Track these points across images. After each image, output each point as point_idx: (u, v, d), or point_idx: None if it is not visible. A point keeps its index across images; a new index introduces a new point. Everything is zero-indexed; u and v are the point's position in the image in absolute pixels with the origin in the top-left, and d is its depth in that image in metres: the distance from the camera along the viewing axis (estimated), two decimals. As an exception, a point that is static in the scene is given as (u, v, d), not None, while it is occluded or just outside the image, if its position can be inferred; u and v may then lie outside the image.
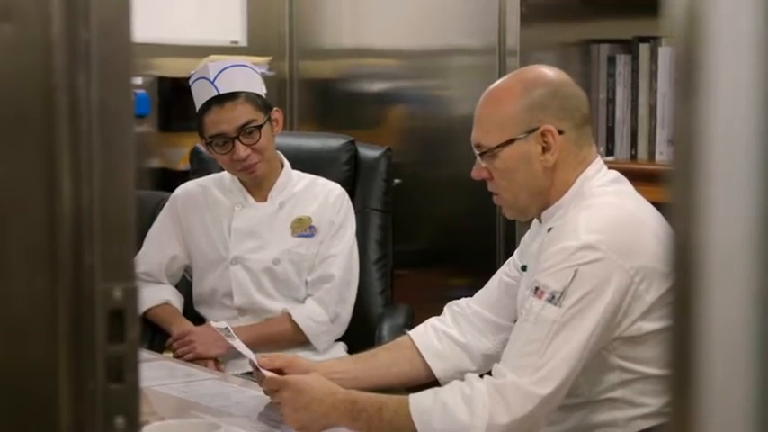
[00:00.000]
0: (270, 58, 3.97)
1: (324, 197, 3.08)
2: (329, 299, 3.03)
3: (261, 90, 3.00)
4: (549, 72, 2.15)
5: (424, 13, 3.69)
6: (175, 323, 3.02)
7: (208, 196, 3.08)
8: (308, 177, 3.12)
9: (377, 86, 3.94)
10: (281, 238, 3.04)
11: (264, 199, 3.06)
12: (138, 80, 3.78)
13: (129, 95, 0.88)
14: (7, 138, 0.83)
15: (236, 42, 4.09)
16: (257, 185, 3.05)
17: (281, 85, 4.10)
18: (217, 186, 3.09)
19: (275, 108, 3.03)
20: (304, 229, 3.05)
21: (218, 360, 2.97)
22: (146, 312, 3.05)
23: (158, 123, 3.96)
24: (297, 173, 3.12)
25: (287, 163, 3.10)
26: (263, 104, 2.97)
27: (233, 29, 4.10)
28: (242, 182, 3.06)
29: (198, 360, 2.93)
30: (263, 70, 3.85)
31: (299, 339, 3.01)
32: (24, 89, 0.83)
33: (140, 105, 3.77)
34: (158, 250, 3.09)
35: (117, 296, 0.86)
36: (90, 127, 0.84)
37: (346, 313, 3.07)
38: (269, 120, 2.97)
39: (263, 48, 4.05)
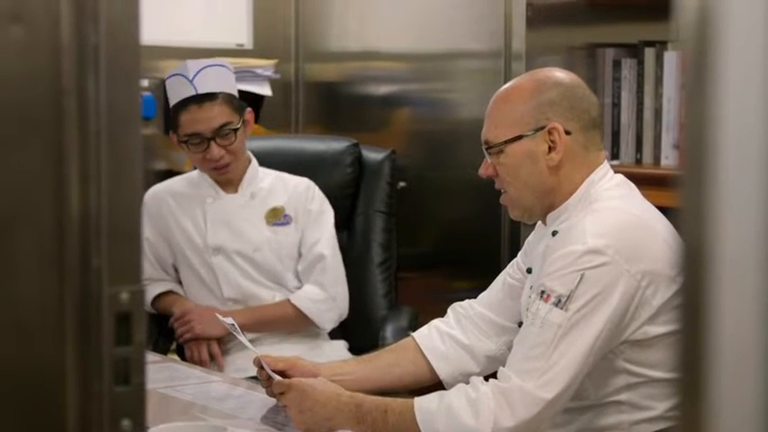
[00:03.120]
0: (276, 60, 3.98)
1: (293, 189, 3.11)
2: (325, 278, 3.05)
3: (235, 90, 3.02)
4: (561, 74, 2.16)
5: (430, 16, 3.69)
6: (177, 304, 3.05)
7: (177, 196, 3.10)
8: (274, 173, 3.15)
9: (382, 89, 3.94)
10: (256, 228, 3.06)
11: (235, 190, 3.08)
12: (144, 82, 3.78)
13: (136, 98, 0.88)
14: (16, 140, 0.83)
15: (241, 45, 4.09)
16: (227, 180, 3.07)
17: (286, 87, 4.10)
18: (185, 185, 3.12)
19: (248, 109, 3.04)
20: (278, 218, 3.08)
21: (220, 341, 2.98)
22: (153, 303, 3.07)
23: (164, 125, 3.96)
24: (263, 169, 3.14)
25: (254, 159, 3.11)
26: (238, 105, 3.00)
27: (239, 31, 4.10)
28: (212, 178, 3.08)
29: (196, 340, 2.95)
30: (269, 73, 3.86)
31: (300, 324, 3.02)
32: (33, 91, 0.83)
33: (146, 107, 3.77)
34: (146, 254, 3.10)
35: (124, 299, 0.86)
36: (98, 129, 0.84)
37: (344, 291, 3.09)
38: (243, 121, 2.98)
39: (268, 50, 4.05)
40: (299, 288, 3.08)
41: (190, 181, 3.12)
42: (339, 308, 3.08)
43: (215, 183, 3.07)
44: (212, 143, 2.93)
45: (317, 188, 3.14)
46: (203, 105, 2.93)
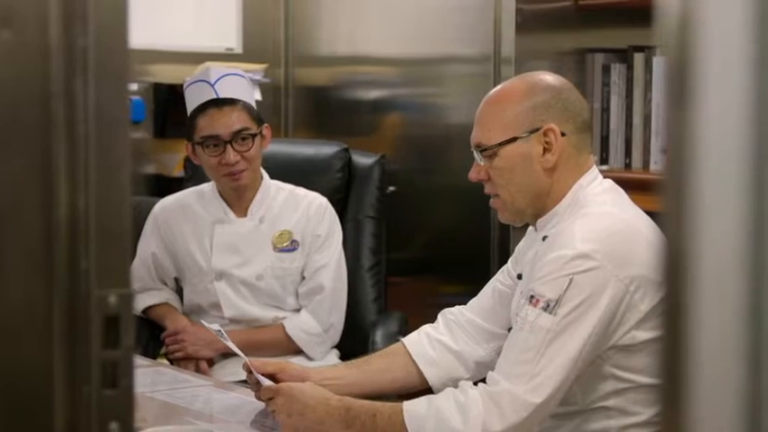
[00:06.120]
0: (265, 65, 3.98)
1: (305, 208, 3.08)
2: (322, 310, 3.05)
3: (253, 102, 3.03)
4: (551, 77, 2.17)
5: (421, 21, 3.70)
6: (170, 318, 3.04)
7: (187, 212, 3.08)
8: (288, 188, 3.12)
9: (372, 94, 3.94)
10: (262, 253, 3.04)
11: (244, 214, 3.06)
12: (134, 86, 3.78)
13: (125, 101, 0.88)
14: (4, 143, 0.83)
15: (231, 49, 4.09)
16: (238, 198, 3.04)
17: (276, 91, 4.10)
18: (197, 200, 3.09)
19: (266, 124, 3.04)
20: (286, 243, 3.05)
21: (209, 359, 2.99)
22: (145, 310, 3.07)
23: (153, 129, 3.96)
24: (275, 183, 3.11)
25: (266, 175, 3.10)
26: (256, 116, 3.00)
27: (228, 35, 4.10)
28: (222, 195, 3.06)
29: (187, 360, 2.95)
30: (259, 77, 3.86)
31: (292, 349, 3.02)
32: (22, 95, 0.83)
33: (135, 111, 3.77)
34: (148, 266, 3.10)
35: (112, 302, 0.86)
36: (87, 133, 0.84)
37: (339, 320, 3.08)
38: (260, 133, 2.98)
39: (258, 54, 4.05)
40: (297, 310, 3.08)
41: (201, 196, 3.09)
42: (331, 339, 3.08)
43: (225, 202, 3.06)
44: (229, 147, 2.91)
45: (329, 207, 3.11)
46: (223, 109, 2.93)
